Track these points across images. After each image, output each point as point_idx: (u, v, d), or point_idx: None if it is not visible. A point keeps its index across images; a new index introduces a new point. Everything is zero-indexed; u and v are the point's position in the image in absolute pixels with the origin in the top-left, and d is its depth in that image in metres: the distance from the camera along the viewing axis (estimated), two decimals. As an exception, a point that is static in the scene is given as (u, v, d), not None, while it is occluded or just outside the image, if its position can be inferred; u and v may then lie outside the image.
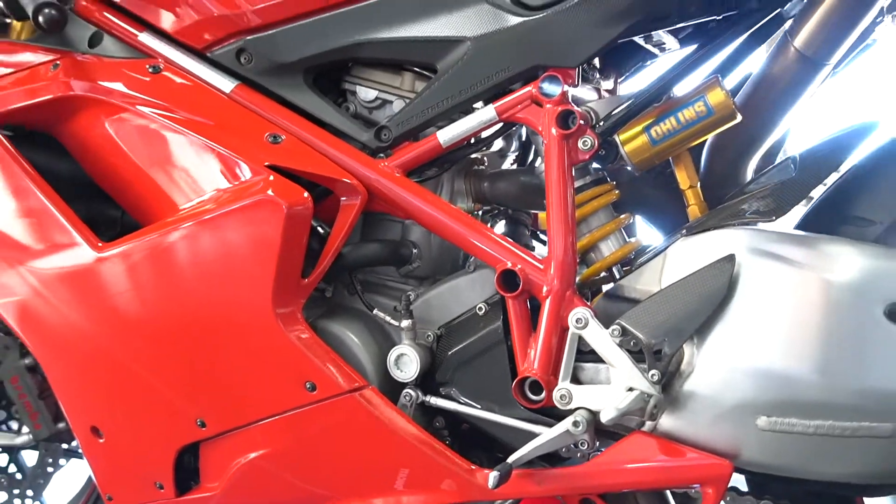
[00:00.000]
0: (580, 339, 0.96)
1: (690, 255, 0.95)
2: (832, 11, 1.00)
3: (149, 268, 1.06)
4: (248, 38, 1.10)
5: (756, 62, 1.10)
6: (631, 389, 0.92)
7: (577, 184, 1.08)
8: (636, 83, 1.33)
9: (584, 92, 1.18)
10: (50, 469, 1.41)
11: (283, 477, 1.10)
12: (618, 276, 1.09)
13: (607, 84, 1.27)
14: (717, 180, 1.14)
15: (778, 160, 1.18)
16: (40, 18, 1.03)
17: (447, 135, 1.06)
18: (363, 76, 1.13)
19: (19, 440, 1.38)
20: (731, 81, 1.09)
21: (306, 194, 1.01)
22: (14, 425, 1.43)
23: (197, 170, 1.07)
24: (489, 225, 1.27)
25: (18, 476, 1.44)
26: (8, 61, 1.16)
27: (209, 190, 1.05)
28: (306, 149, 1.07)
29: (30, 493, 1.42)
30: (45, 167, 1.14)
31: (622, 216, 1.11)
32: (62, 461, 1.41)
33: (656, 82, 1.04)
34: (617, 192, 1.11)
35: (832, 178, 1.03)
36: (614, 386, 0.94)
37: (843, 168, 1.03)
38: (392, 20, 1.07)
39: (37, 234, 1.11)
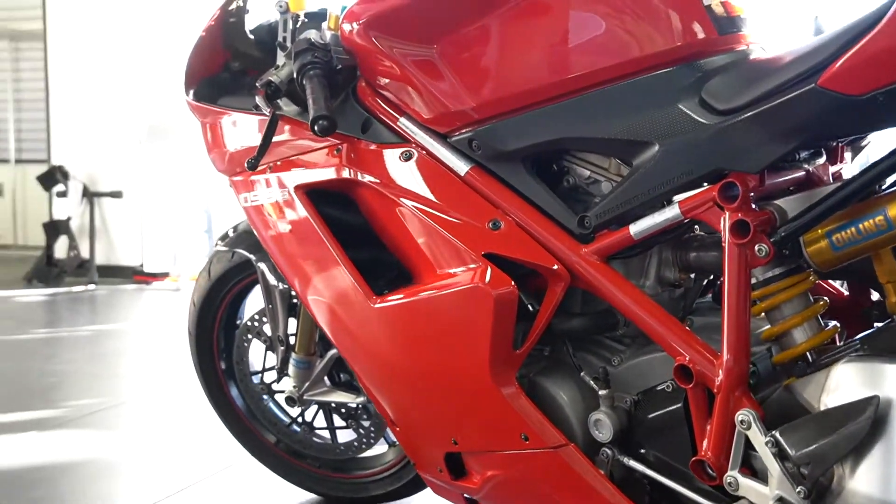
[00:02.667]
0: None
1: (851, 380, 0.97)
2: None
3: (400, 324, 1.33)
4: (478, 128, 1.27)
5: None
6: (781, 500, 0.99)
7: (776, 272, 1.11)
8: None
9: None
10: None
11: (514, 495, 1.34)
12: (810, 360, 1.12)
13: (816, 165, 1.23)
14: None
15: None
16: (315, 128, 1.29)
17: (637, 227, 1.15)
18: (578, 157, 1.25)
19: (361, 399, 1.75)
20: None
21: (512, 285, 1.19)
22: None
23: (431, 249, 1.29)
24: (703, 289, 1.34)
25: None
26: (301, 143, 1.47)
27: (441, 268, 1.28)
28: (521, 235, 1.23)
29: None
30: (340, 218, 1.44)
31: (819, 303, 1.12)
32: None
33: (841, 188, 1.02)
34: (813, 278, 1.12)
35: None
36: (770, 489, 1.02)
37: None
38: (593, 118, 1.17)
39: (328, 280, 1.43)
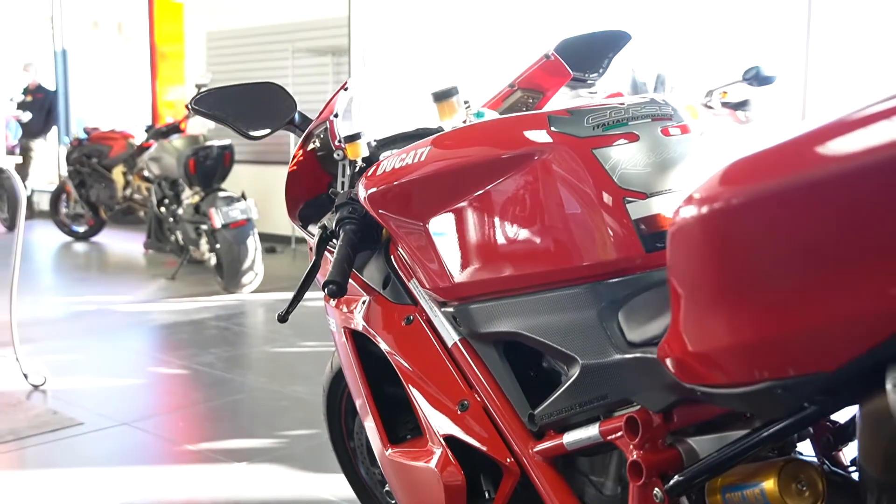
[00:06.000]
0: None
1: None
2: None
3: (395, 477, 1.44)
4: (458, 305, 1.31)
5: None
6: None
7: None
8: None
9: None
10: None
11: None
12: None
13: None
14: None
15: None
16: (325, 290, 1.41)
17: (569, 438, 1.13)
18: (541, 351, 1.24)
19: None
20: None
21: (461, 477, 1.23)
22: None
23: (415, 411, 1.36)
24: None
25: None
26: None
27: (421, 434, 1.35)
28: (485, 422, 1.26)
29: None
30: None
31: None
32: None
33: (740, 441, 0.93)
34: None
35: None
36: None
37: None
38: (538, 320, 1.17)
39: (364, 415, 1.56)
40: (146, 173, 6.81)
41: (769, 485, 0.89)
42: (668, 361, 0.86)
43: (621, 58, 1.87)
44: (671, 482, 0.98)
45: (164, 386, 3.82)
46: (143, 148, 7.19)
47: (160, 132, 6.83)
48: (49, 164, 10.22)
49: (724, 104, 4.76)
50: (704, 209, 0.72)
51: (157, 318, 4.96)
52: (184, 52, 8.87)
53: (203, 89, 1.89)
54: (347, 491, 2.38)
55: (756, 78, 4.69)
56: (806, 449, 1.07)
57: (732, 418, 1.06)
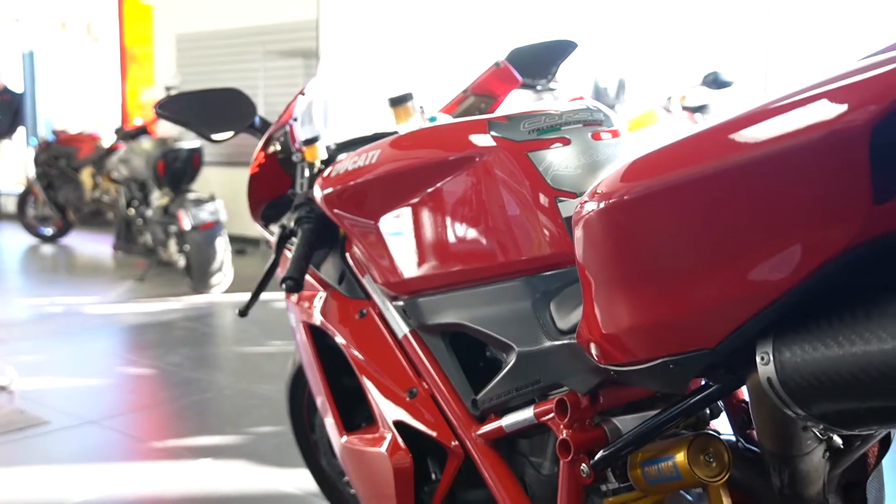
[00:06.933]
0: None
1: None
2: None
3: (350, 463, 1.51)
4: (407, 299, 1.38)
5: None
6: None
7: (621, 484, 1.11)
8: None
9: None
10: None
11: None
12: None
13: None
14: None
15: None
16: (283, 286, 1.48)
17: (508, 421, 1.21)
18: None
19: None
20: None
21: (409, 458, 1.30)
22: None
23: (368, 401, 1.43)
24: None
25: None
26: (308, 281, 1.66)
27: (372, 421, 1.42)
28: (431, 408, 1.34)
29: None
30: None
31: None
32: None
33: (655, 417, 1.01)
34: None
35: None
36: None
37: None
38: (479, 312, 1.24)
39: (321, 405, 1.63)
40: (115, 175, 6.81)
41: (680, 457, 0.98)
42: (585, 344, 0.94)
43: (583, 64, 1.97)
44: (596, 458, 1.06)
45: (132, 385, 3.85)
46: (111, 150, 7.20)
47: (129, 134, 6.83)
48: (16, 166, 10.16)
49: (684, 108, 4.88)
50: (603, 204, 0.80)
51: (126, 319, 4.99)
52: (153, 54, 8.86)
53: (173, 91, 1.96)
54: (311, 485, 2.45)
55: (714, 82, 4.82)
56: (725, 429, 1.15)
57: (652, 399, 1.15)
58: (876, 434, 0.93)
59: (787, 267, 0.65)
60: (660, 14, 6.16)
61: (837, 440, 0.89)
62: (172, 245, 5.89)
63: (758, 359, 0.71)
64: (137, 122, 7.71)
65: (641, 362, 0.84)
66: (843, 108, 0.59)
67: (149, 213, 6.19)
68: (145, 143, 6.43)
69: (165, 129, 7.13)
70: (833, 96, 0.60)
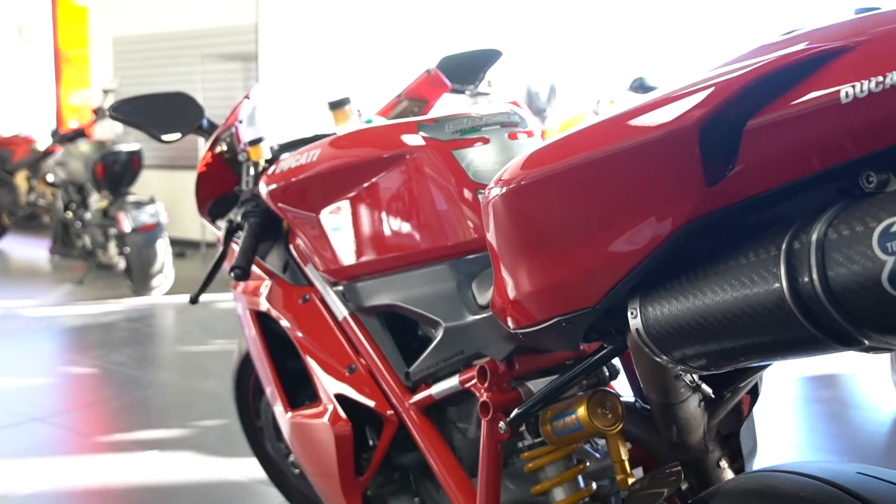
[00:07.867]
0: None
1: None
2: None
3: (296, 437, 1.64)
4: (346, 284, 1.53)
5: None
6: None
7: (538, 439, 1.27)
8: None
9: None
10: None
11: None
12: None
13: None
14: None
15: None
16: (231, 274, 1.61)
17: (436, 389, 1.36)
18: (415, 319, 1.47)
19: None
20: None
21: (349, 425, 1.45)
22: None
23: (311, 379, 1.58)
24: None
25: None
26: (254, 272, 1.79)
27: (315, 398, 1.56)
28: (368, 382, 1.48)
29: None
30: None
31: (578, 466, 1.27)
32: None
33: (558, 378, 1.17)
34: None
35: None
36: None
37: None
38: (411, 293, 1.39)
39: (267, 386, 1.76)
40: (50, 178, 6.78)
41: (581, 411, 1.14)
42: (499, 313, 1.09)
43: (516, 70, 2.12)
44: (512, 415, 1.22)
45: (75, 384, 3.90)
46: (47, 153, 7.16)
47: (66, 137, 6.81)
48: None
49: (612, 112, 5.11)
50: (505, 189, 0.96)
51: (66, 321, 5.00)
52: (88, 57, 8.81)
53: (111, 94, 2.07)
54: (256, 472, 2.57)
55: (641, 87, 5.08)
56: (626, 393, 1.32)
57: (561, 366, 1.31)
58: (742, 386, 1.10)
59: (645, 236, 0.81)
60: (590, 22, 6.41)
61: (707, 389, 1.05)
62: (112, 248, 5.91)
63: (629, 314, 0.88)
64: (73, 124, 7.67)
65: (540, 323, 0.99)
66: (680, 111, 0.76)
67: (87, 216, 6.19)
68: (83, 146, 6.42)
69: (103, 131, 7.13)
70: (672, 103, 0.77)
